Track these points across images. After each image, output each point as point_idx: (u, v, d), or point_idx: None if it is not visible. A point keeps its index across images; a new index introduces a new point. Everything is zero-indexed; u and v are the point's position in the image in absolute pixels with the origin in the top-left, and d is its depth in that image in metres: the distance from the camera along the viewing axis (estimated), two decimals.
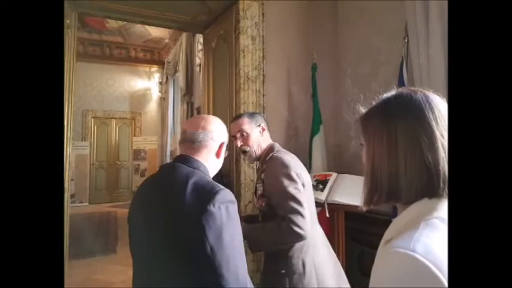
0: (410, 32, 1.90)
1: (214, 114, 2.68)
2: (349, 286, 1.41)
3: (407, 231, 0.55)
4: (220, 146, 1.06)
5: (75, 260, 3.63)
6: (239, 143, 1.43)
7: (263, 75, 2.35)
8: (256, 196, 1.41)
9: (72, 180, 7.04)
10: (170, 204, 0.91)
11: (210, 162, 1.04)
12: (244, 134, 1.42)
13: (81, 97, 7.27)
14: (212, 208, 0.86)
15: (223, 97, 2.50)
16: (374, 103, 0.69)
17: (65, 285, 1.32)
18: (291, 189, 1.24)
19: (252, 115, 1.48)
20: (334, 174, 2.01)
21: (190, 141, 1.02)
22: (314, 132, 2.31)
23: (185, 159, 1.00)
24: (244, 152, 1.44)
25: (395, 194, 0.60)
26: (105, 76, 7.72)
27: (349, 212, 1.99)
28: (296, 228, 1.20)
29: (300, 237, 1.22)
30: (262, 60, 2.36)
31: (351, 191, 1.84)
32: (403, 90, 0.67)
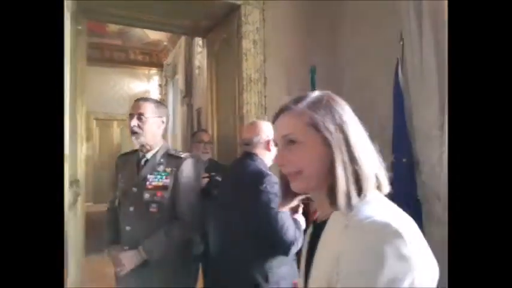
0: (405, 36, 2.02)
1: (217, 114, 2.79)
2: None
3: (361, 209, 0.59)
4: (268, 143, 1.47)
5: (89, 256, 3.74)
6: (134, 123, 1.42)
7: (264, 77, 2.47)
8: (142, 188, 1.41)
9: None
10: (235, 184, 1.43)
11: (263, 155, 1.47)
12: (143, 118, 1.41)
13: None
14: (262, 187, 1.28)
15: (226, 98, 2.61)
16: (307, 99, 0.71)
17: (81, 279, 1.41)
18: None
19: (158, 105, 1.49)
20: None
21: (247, 144, 1.48)
22: None
23: (247, 155, 1.47)
24: (135, 133, 1.43)
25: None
26: (106, 78, 7.80)
27: None
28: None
29: None
30: (264, 62, 2.47)
31: None
32: (323, 91, 0.73)
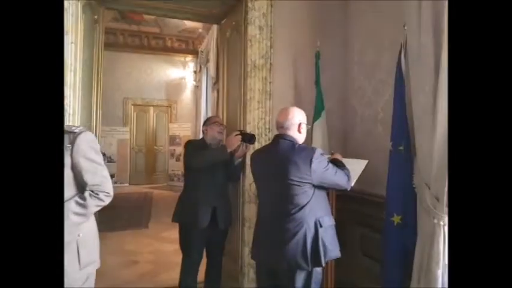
0: (407, 20, 1.92)
1: (228, 99, 2.88)
2: None
3: None
4: (299, 125, 1.70)
5: (112, 232, 4.13)
6: None
7: (270, 63, 2.49)
8: None
9: (114, 162, 7.69)
10: (285, 158, 1.62)
11: (296, 136, 1.70)
12: None
13: (121, 86, 7.87)
14: (314, 160, 1.58)
15: (234, 84, 2.68)
16: None
17: (100, 254, 1.44)
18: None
19: None
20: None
21: (281, 127, 1.71)
22: (315, 117, 2.41)
23: (283, 136, 1.69)
24: None
25: None
26: (144, 66, 8.24)
27: (342, 194, 2.10)
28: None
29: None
30: (270, 49, 2.49)
31: None
32: None
